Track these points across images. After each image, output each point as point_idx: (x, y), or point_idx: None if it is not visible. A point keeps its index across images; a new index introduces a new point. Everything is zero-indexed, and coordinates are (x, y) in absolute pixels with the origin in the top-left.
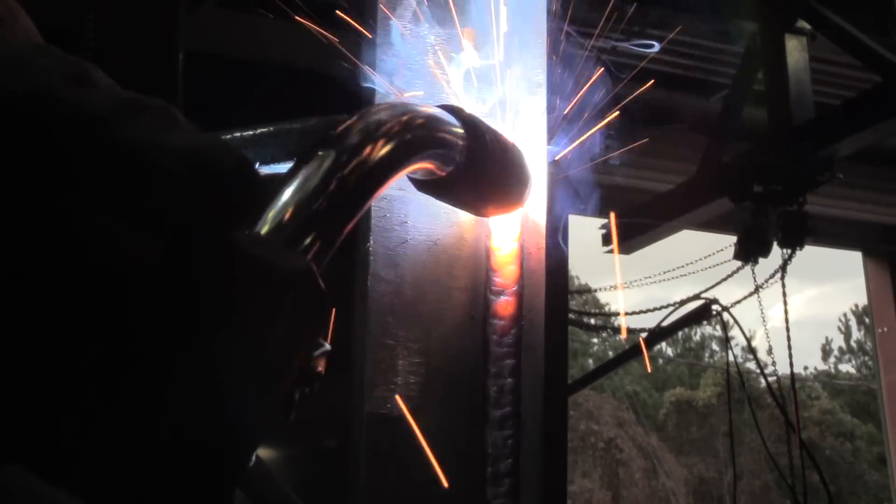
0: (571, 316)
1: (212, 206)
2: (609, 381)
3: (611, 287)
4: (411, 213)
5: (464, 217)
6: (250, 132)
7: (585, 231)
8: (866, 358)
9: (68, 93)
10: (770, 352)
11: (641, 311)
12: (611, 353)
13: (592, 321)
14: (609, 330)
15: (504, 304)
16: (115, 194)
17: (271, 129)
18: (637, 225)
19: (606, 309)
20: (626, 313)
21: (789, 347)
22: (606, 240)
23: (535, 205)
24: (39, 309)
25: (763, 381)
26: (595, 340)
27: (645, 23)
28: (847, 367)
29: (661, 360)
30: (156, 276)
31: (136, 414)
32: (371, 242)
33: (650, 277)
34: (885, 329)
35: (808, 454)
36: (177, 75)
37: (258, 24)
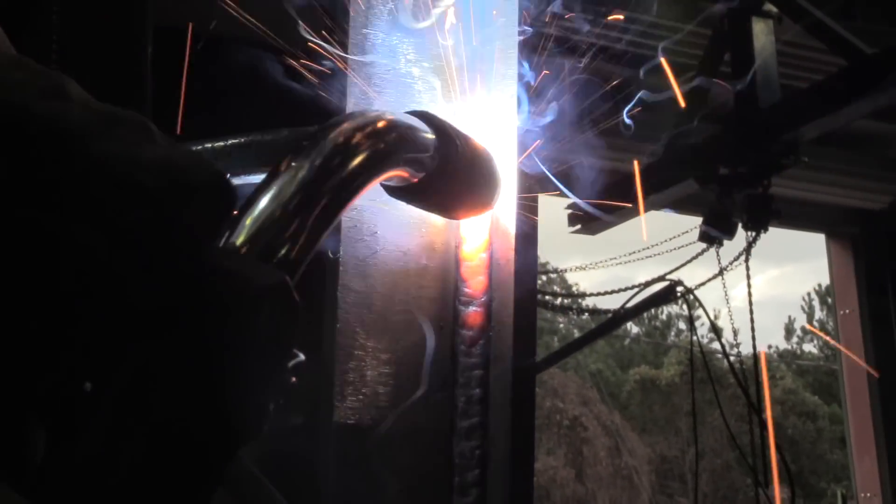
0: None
1: (187, 220)
2: (573, 359)
3: (576, 268)
4: (381, 224)
5: (433, 227)
6: (221, 143)
7: (551, 210)
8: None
9: (43, 107)
10: (736, 334)
11: (607, 293)
12: (576, 332)
13: (558, 301)
14: (575, 310)
15: (473, 315)
16: (90, 208)
17: (242, 140)
18: (603, 205)
19: (575, 289)
20: (592, 294)
21: (752, 330)
22: (572, 220)
23: (504, 214)
24: (8, 319)
25: (726, 361)
26: (561, 319)
27: (611, 3)
28: (810, 347)
29: (627, 340)
30: (130, 290)
31: (105, 427)
32: (341, 253)
33: (615, 259)
34: (848, 311)
35: (768, 433)
36: (145, 64)
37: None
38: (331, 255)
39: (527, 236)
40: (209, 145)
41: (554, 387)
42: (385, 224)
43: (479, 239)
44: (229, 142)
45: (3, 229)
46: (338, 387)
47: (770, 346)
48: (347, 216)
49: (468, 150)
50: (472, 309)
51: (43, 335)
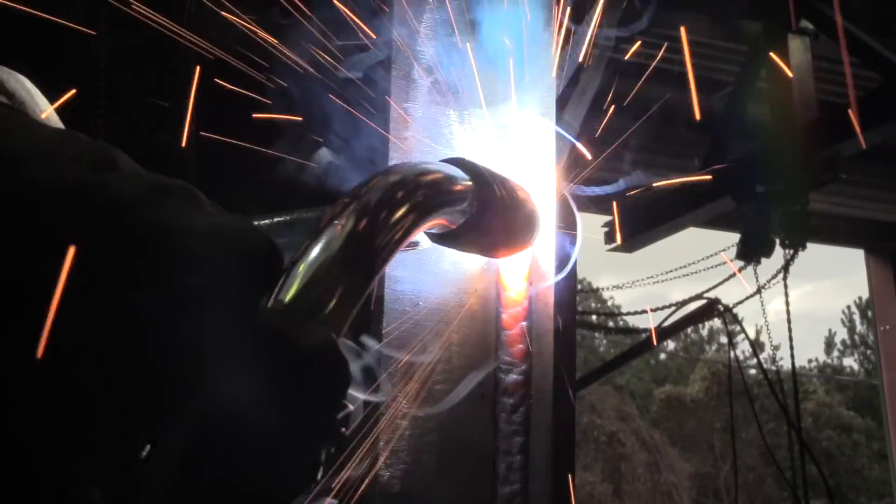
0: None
1: (236, 285)
2: (610, 375)
3: (613, 286)
4: (423, 295)
5: (474, 296)
6: (267, 221)
7: (587, 227)
8: (869, 351)
9: (95, 179)
10: (776, 349)
11: (645, 311)
12: (612, 348)
13: (594, 318)
14: (613, 330)
15: (513, 383)
16: (143, 276)
17: (287, 218)
18: (640, 223)
19: (611, 304)
20: (629, 312)
21: (791, 347)
22: (609, 238)
23: (543, 280)
24: (68, 383)
25: (761, 375)
26: (597, 335)
27: (649, 21)
28: (849, 361)
29: (663, 355)
30: (183, 352)
31: (164, 487)
32: (384, 324)
33: (652, 277)
34: (888, 327)
35: (807, 450)
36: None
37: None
38: (374, 325)
39: (566, 301)
40: (255, 223)
41: (592, 402)
42: (427, 294)
43: (519, 306)
44: (275, 220)
45: (67, 298)
46: (382, 456)
47: (810, 361)
48: (390, 287)
49: (505, 193)
50: (512, 377)
51: (100, 398)
